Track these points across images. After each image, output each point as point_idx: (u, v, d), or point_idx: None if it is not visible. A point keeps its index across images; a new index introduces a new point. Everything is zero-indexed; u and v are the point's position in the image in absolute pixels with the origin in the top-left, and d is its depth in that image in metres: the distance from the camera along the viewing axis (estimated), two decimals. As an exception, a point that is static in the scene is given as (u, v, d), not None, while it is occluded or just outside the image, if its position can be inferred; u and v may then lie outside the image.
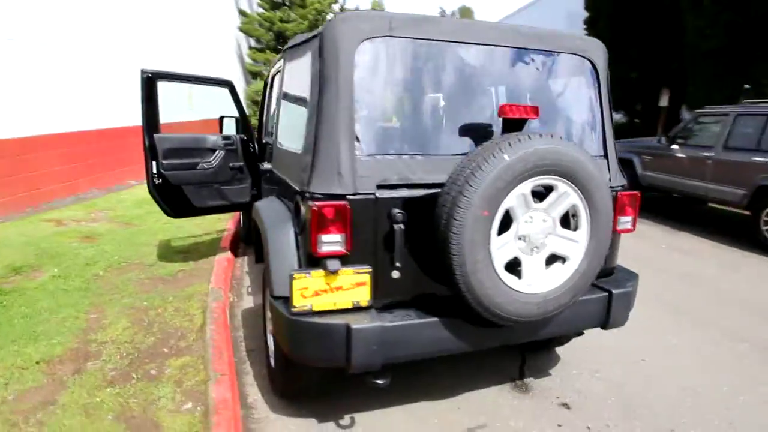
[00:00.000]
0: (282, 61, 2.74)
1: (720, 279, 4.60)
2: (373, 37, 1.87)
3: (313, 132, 1.89)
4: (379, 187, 1.86)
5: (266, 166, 2.80)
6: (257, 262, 2.91)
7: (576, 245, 1.90)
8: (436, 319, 1.92)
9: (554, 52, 2.20)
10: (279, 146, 2.52)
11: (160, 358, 2.77)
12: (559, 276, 1.90)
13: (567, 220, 1.91)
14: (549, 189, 1.83)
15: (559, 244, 1.89)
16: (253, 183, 4.14)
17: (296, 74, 2.38)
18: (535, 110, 1.91)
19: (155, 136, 3.67)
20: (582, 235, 1.89)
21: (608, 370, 2.85)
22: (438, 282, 1.98)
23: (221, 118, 4.21)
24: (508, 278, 1.81)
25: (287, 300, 1.95)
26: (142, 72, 3.56)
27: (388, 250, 1.89)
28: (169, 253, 4.65)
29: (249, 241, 5.01)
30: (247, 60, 13.30)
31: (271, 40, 13.10)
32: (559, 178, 1.78)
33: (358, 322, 1.81)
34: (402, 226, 1.84)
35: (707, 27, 7.51)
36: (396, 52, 1.92)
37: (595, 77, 2.31)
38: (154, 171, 3.70)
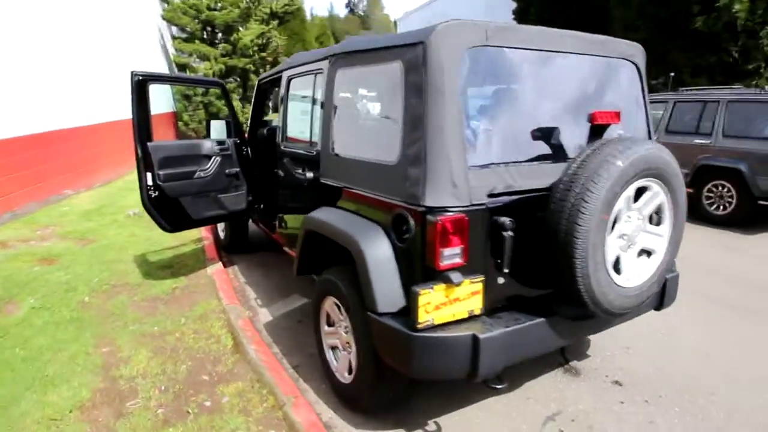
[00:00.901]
0: (321, 64, 2.60)
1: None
2: (474, 47, 1.86)
3: (421, 143, 1.84)
4: (489, 195, 1.87)
5: (309, 174, 2.66)
6: (299, 273, 2.79)
7: (661, 239, 2.04)
8: (542, 319, 1.98)
9: (611, 57, 2.32)
10: (340, 156, 2.39)
11: (206, 387, 2.58)
12: (649, 268, 2.04)
13: (650, 217, 2.05)
14: (641, 189, 1.95)
15: (648, 240, 2.03)
16: (249, 189, 3.92)
17: (367, 82, 2.29)
18: (618, 116, 2.01)
19: (150, 144, 3.34)
20: (665, 229, 2.04)
21: (637, 346, 3.11)
22: (538, 285, 2.04)
23: (209, 122, 3.91)
24: (614, 275, 1.91)
25: (398, 316, 1.92)
26: (133, 75, 3.21)
27: (496, 258, 1.91)
28: (151, 269, 4.27)
29: (233, 249, 4.74)
30: (172, 51, 12.33)
31: (199, 30, 12.25)
32: (655, 179, 1.91)
33: (482, 331, 1.82)
34: (511, 233, 1.86)
35: (635, 19, 8.22)
36: (492, 61, 1.92)
37: (639, 79, 2.46)
38: (149, 183, 3.38)
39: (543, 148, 2.07)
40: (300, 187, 2.86)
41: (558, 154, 2.11)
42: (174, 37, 12.47)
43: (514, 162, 1.95)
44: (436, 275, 1.83)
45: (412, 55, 1.89)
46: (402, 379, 2.18)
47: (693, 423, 2.39)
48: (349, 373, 2.40)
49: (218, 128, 3.90)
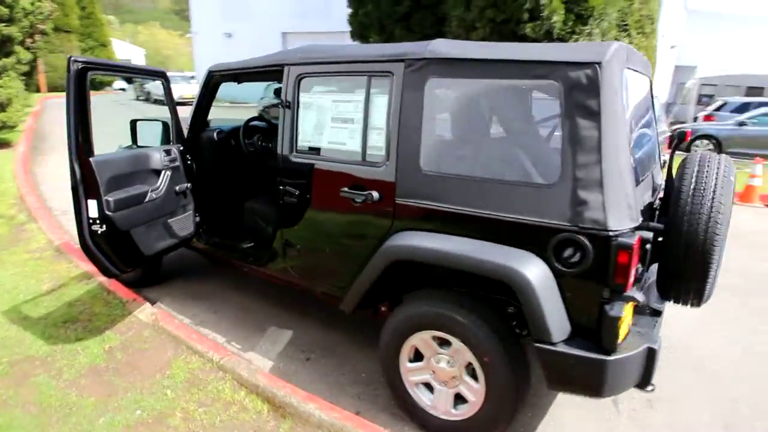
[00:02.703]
0: (387, 67, 2.20)
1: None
2: (626, 68, 1.86)
3: (595, 166, 1.76)
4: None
5: (372, 194, 2.24)
6: (358, 309, 2.40)
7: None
8: (660, 317, 2.17)
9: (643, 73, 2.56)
10: (433, 174, 2.08)
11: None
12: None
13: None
14: None
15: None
16: (196, 208, 3.14)
17: (484, 96, 2.02)
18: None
19: (94, 160, 2.36)
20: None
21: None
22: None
23: (134, 123, 2.93)
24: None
25: (575, 342, 1.86)
26: (72, 61, 2.19)
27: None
28: (48, 329, 3.07)
29: (145, 281, 3.70)
30: None
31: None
32: None
33: (650, 342, 1.91)
34: (649, 246, 1.95)
35: (476, 21, 9.15)
36: (625, 82, 1.94)
37: (651, 93, 2.80)
38: (94, 215, 2.40)
39: (642, 167, 2.21)
40: (341, 209, 2.42)
41: (643, 170, 2.26)
42: None
43: (639, 181, 2.05)
44: (619, 296, 1.82)
45: (581, 75, 1.78)
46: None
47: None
48: (455, 408, 2.22)
49: (150, 131, 2.97)
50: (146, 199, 2.65)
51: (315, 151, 2.54)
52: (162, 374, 2.65)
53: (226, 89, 3.28)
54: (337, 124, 2.45)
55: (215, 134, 3.31)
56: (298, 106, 2.56)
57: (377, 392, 2.61)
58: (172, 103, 2.99)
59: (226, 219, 3.46)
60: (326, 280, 2.63)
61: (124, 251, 2.59)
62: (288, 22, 21.83)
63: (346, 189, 2.37)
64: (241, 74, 2.99)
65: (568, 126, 1.82)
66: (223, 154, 3.34)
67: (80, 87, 2.29)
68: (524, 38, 9.06)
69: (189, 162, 3.07)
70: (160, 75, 2.93)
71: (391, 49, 2.25)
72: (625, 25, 9.95)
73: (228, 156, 3.38)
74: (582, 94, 1.79)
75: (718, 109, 13.54)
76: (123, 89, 32.97)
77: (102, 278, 3.72)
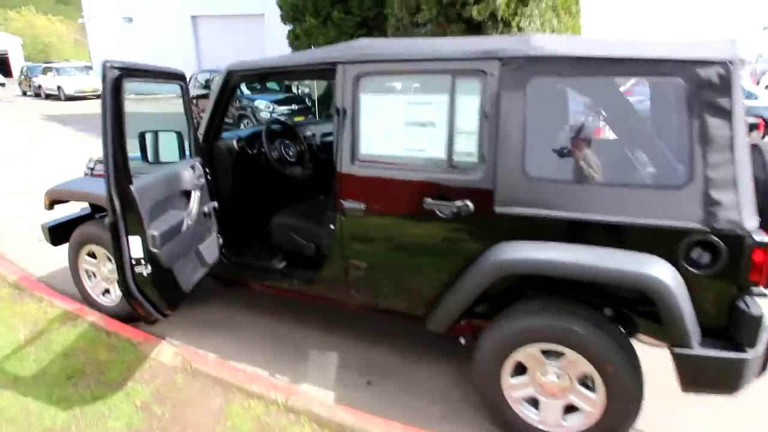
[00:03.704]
0: (479, 65, 1.99)
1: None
2: None
3: (728, 166, 1.74)
4: None
5: (466, 204, 2.06)
6: (447, 330, 2.24)
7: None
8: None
9: None
10: (542, 179, 1.95)
11: None
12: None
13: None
14: None
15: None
16: (219, 230, 2.77)
17: (595, 95, 1.89)
18: None
19: (134, 188, 1.94)
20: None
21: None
22: None
23: (142, 135, 2.46)
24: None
25: (710, 343, 1.86)
26: (109, 68, 1.76)
27: None
28: (46, 388, 2.55)
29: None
30: None
31: None
32: None
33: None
34: None
35: (421, 3, 9.03)
36: None
37: None
38: (137, 254, 1.99)
39: None
40: (422, 221, 2.22)
41: None
42: None
43: None
44: (752, 294, 1.83)
45: (711, 73, 1.73)
46: None
47: None
48: (565, 420, 2.16)
49: (164, 144, 2.51)
50: (183, 228, 2.25)
51: (384, 159, 2.30)
52: (222, 427, 2.31)
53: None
54: (412, 129, 2.22)
55: (235, 142, 2.89)
56: (357, 110, 2.29)
57: (461, 410, 2.48)
58: (189, 110, 2.55)
59: (249, 237, 3.08)
60: (403, 299, 2.42)
61: (167, 291, 2.18)
62: (197, 5, 20.17)
63: (430, 200, 2.17)
64: (269, 74, 2.62)
65: (698, 125, 1.77)
66: (243, 164, 2.94)
67: (117, 99, 1.85)
68: (470, 21, 9.11)
69: (209, 177, 2.66)
70: (179, 78, 2.47)
71: (480, 45, 2.06)
72: (554, 6, 10.37)
73: (247, 166, 2.98)
74: (713, 93, 1.75)
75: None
76: (2, 84, 28.93)
77: (93, 317, 3.18)
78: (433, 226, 2.21)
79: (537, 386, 2.18)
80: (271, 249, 2.96)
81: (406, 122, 2.23)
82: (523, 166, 1.99)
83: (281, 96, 10.39)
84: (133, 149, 2.50)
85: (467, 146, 2.11)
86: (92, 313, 3.24)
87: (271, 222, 2.90)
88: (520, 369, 2.20)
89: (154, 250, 1.99)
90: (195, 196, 2.39)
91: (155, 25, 21.05)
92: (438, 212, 2.16)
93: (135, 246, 1.95)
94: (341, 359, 2.89)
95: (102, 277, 3.28)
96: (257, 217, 3.16)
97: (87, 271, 3.34)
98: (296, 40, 11.47)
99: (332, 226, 2.49)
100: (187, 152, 2.53)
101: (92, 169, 3.38)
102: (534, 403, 2.23)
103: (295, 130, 3.36)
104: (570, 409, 2.17)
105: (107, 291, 3.31)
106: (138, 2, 21.05)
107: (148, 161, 2.46)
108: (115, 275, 3.15)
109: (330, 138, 3.77)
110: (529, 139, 1.98)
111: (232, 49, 18.84)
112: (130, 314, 3.19)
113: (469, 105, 2.09)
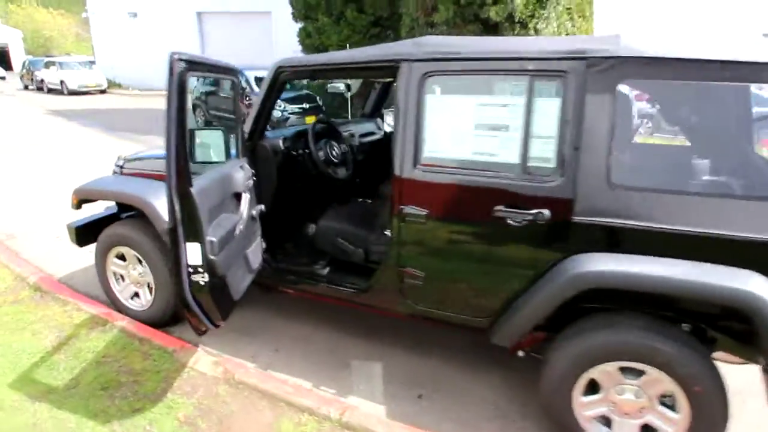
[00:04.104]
0: (560, 65, 1.87)
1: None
2: None
3: None
4: None
5: (543, 212, 1.94)
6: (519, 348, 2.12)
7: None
8: None
9: None
10: (631, 188, 1.82)
11: None
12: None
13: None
14: None
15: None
16: (263, 233, 2.64)
17: (708, 104, 1.77)
18: None
19: (195, 191, 1.81)
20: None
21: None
22: None
23: (191, 133, 2.32)
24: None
25: None
26: (177, 60, 1.63)
27: None
28: (81, 400, 2.41)
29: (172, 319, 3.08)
30: None
31: None
32: None
33: None
34: None
35: (438, 2, 8.90)
36: None
37: None
38: (195, 261, 1.86)
39: None
40: (491, 230, 2.10)
41: None
42: None
43: None
44: None
45: None
46: None
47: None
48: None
49: (208, 142, 2.38)
50: (236, 233, 2.11)
51: (450, 163, 2.17)
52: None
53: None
54: (483, 132, 2.10)
55: (281, 141, 2.76)
56: (422, 111, 2.16)
57: (521, 426, 2.36)
58: (238, 107, 2.41)
59: (291, 241, 2.95)
60: (463, 310, 2.30)
61: (220, 300, 2.05)
62: (203, 1, 19.99)
63: (501, 207, 2.04)
64: (321, 70, 2.49)
65: None
66: (287, 165, 2.81)
67: (183, 94, 1.72)
68: (487, 21, 9.00)
69: (255, 178, 2.53)
70: (233, 72, 2.33)
71: (562, 45, 1.94)
72: (569, 9, 10.27)
73: (291, 166, 2.85)
74: None
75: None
76: (2, 77, 28.67)
77: (123, 322, 3.04)
78: (503, 235, 2.08)
79: (611, 405, 2.06)
80: (315, 254, 2.83)
81: (476, 125, 2.10)
82: (608, 174, 1.87)
83: (292, 94, 10.24)
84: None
85: (544, 151, 1.99)
86: (121, 318, 3.10)
87: (316, 226, 2.77)
88: (593, 387, 2.08)
89: (212, 258, 1.86)
90: (246, 198, 2.26)
91: (160, 20, 20.86)
92: (509, 220, 2.04)
93: (193, 253, 1.82)
94: (386, 369, 2.76)
95: (131, 280, 3.15)
96: (298, 221, 3.03)
97: (115, 274, 3.20)
98: (308, 38, 11.33)
99: (387, 232, 2.36)
100: (233, 151, 2.39)
101: (122, 167, 3.24)
102: (606, 422, 2.11)
103: (338, 130, 3.23)
104: (646, 428, 2.05)
105: (136, 295, 3.18)
106: (143, -3, 20.86)
107: (193, 161, 2.32)
108: (146, 278, 3.03)
109: (368, 138, 3.65)
110: (616, 146, 1.86)
111: (239, 46, 18.72)
112: (161, 320, 3.07)
113: (549, 107, 1.96)
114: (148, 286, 3.08)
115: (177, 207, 1.77)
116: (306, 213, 3.07)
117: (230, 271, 2.08)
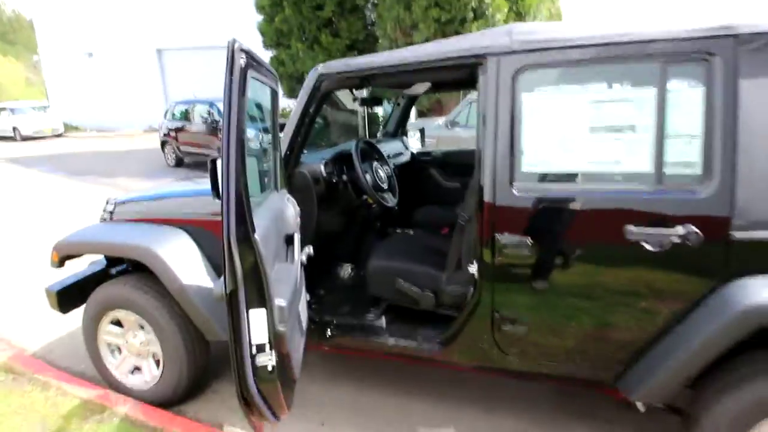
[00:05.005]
0: (703, 45, 1.49)
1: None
2: None
3: None
4: None
5: (752, 234, 1.51)
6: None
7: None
8: None
9: None
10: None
11: None
12: None
13: None
14: None
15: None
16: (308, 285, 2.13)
17: None
18: None
19: (257, 239, 1.29)
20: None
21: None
22: None
23: (214, 163, 1.80)
24: None
25: None
26: (237, 48, 1.15)
27: None
28: None
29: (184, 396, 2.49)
30: None
31: None
32: None
33: None
34: None
35: (418, 21, 8.70)
36: None
37: None
38: (260, 340, 1.34)
39: None
40: (619, 257, 1.66)
41: None
42: None
43: None
44: None
45: None
46: None
47: None
48: None
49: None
50: (297, 287, 1.60)
51: (559, 178, 1.74)
52: None
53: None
54: (600, 136, 1.68)
55: (322, 167, 2.26)
56: (518, 115, 1.73)
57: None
58: (276, 124, 1.91)
59: (322, 286, 2.43)
60: (584, 361, 1.83)
61: (284, 383, 1.51)
62: (163, 38, 19.41)
63: (633, 227, 1.61)
64: (376, 75, 2.02)
65: None
66: (329, 194, 2.31)
67: (244, 98, 1.23)
68: (470, 38, 8.90)
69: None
70: (274, 77, 1.84)
71: (702, 21, 1.56)
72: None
73: (332, 196, 2.36)
74: None
75: None
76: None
77: (125, 407, 2.42)
78: (637, 262, 1.65)
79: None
80: (361, 301, 2.32)
81: (591, 127, 1.68)
82: (776, 177, 1.48)
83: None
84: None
85: (686, 155, 1.58)
86: (122, 400, 2.48)
87: (365, 266, 2.27)
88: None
89: (281, 329, 1.33)
90: (297, 241, 1.75)
91: (118, 59, 20.14)
92: (646, 244, 1.61)
93: (258, 325, 1.29)
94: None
95: (131, 351, 2.54)
96: (333, 261, 2.52)
97: (110, 345, 2.59)
98: (281, 66, 10.93)
99: (472, 269, 1.89)
100: (273, 181, 1.87)
101: (112, 212, 2.67)
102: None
103: (380, 149, 2.76)
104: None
105: (137, 369, 2.57)
106: (99, 37, 20.12)
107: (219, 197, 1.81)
108: (150, 347, 2.45)
109: (399, 160, 3.20)
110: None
111: (202, 80, 18.15)
112: (171, 398, 2.48)
113: (689, 99, 1.57)
114: (154, 357, 2.49)
115: (237, 261, 1.24)
116: (342, 251, 2.57)
117: (293, 342, 1.55)
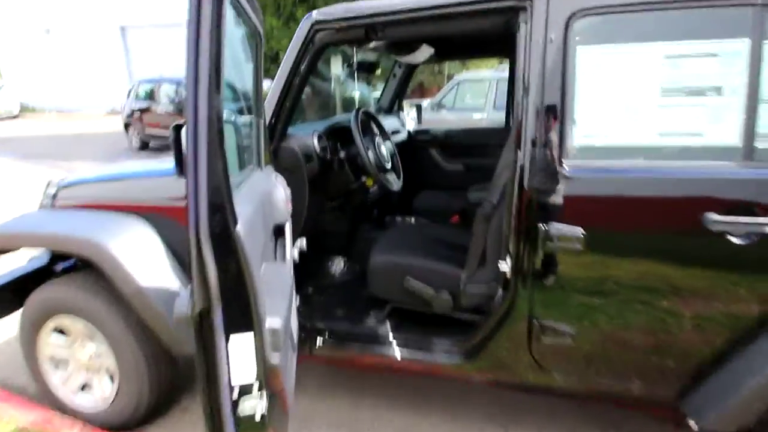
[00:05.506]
0: None
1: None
2: None
3: None
4: None
5: None
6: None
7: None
8: None
9: None
10: None
11: None
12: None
13: None
14: None
15: None
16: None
17: None
18: None
19: (238, 234, 0.89)
20: None
21: None
22: None
23: (178, 128, 1.35)
24: None
25: None
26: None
27: None
28: None
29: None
30: None
31: None
32: None
33: None
34: None
35: None
36: None
37: None
38: (248, 379, 0.93)
39: None
40: (697, 252, 1.34)
41: None
42: None
43: None
44: None
45: None
46: None
47: None
48: None
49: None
50: (291, 296, 1.21)
51: (619, 153, 1.39)
52: None
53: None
54: (677, 100, 1.33)
55: (315, 140, 1.84)
56: (571, 75, 1.37)
57: None
58: (260, 82, 1.48)
59: (310, 284, 2.05)
60: (647, 379, 1.50)
61: (278, 423, 1.11)
62: (127, 15, 18.35)
63: (715, 216, 1.28)
64: (386, 24, 1.60)
65: None
66: (322, 175, 1.91)
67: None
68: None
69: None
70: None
71: None
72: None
73: (326, 176, 1.96)
74: None
75: None
76: None
77: (74, 431, 1.99)
78: (719, 259, 1.33)
79: None
80: (362, 303, 1.95)
81: (663, 89, 1.34)
82: None
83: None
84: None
85: (787, 122, 1.26)
86: (68, 424, 2.05)
87: (370, 261, 1.88)
88: None
89: (273, 363, 0.92)
90: (289, 233, 1.36)
91: (78, 36, 18.97)
92: (732, 236, 1.28)
93: (242, 357, 0.87)
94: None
95: (79, 366, 2.11)
96: (322, 255, 2.14)
97: (53, 358, 2.15)
98: (255, 45, 10.32)
99: (503, 266, 1.54)
100: (255, 156, 1.45)
101: (54, 196, 2.20)
102: None
103: (381, 123, 2.35)
104: None
105: (85, 386, 2.14)
106: (57, 12, 18.86)
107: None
108: (102, 360, 2.05)
109: (394, 138, 2.81)
110: None
111: (168, 59, 17.23)
112: (129, 420, 2.07)
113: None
114: (107, 372, 2.06)
115: (210, 266, 0.82)
116: (333, 242, 2.19)
117: (288, 370, 1.15)
